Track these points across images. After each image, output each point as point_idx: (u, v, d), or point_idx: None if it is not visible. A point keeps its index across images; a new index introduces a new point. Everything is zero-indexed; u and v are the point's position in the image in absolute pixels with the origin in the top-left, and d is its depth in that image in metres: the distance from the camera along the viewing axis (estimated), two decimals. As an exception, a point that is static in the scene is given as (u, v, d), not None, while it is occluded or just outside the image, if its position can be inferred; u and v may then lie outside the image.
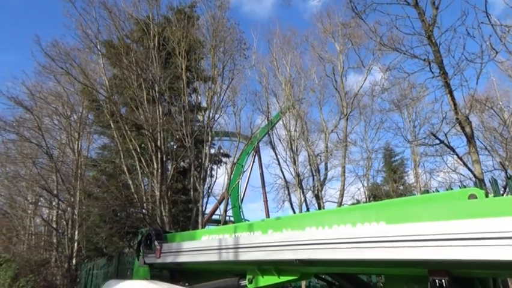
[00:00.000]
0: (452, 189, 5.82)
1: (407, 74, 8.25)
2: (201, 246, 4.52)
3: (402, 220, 2.78)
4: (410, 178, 23.86)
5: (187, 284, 4.94)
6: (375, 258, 2.68)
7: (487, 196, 2.79)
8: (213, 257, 4.23)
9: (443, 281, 2.49)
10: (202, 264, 4.61)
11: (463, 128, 7.08)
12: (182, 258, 4.76)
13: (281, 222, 4.08)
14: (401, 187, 22.48)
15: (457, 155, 8.92)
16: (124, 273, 14.12)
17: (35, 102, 18.39)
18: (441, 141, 8.37)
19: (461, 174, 15.57)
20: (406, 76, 8.38)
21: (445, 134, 8.24)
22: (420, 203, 3.12)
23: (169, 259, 5.04)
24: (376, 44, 8.81)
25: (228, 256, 4.05)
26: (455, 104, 7.20)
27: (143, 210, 13.81)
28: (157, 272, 5.75)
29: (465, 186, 6.11)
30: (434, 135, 8.41)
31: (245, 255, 3.90)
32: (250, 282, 4.13)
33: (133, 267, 8.03)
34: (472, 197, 2.76)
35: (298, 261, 3.34)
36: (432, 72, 7.63)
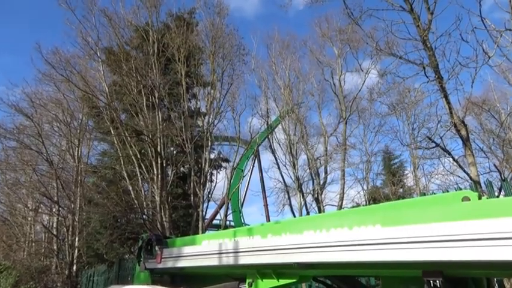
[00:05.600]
0: (448, 191, 5.89)
1: (403, 78, 8.35)
2: (201, 251, 4.57)
3: (397, 223, 2.83)
4: (410, 181, 23.95)
5: (186, 289, 4.98)
6: (371, 260, 2.74)
7: (480, 198, 2.85)
8: (213, 261, 4.28)
9: (437, 281, 2.55)
10: (202, 268, 4.67)
11: (458, 131, 7.16)
12: (183, 263, 4.81)
13: (280, 227, 4.13)
14: (401, 190, 22.52)
15: (453, 158, 9.01)
16: (124, 279, 14.12)
17: (35, 109, 18.47)
18: (437, 145, 8.46)
19: (459, 176, 15.63)
20: (402, 81, 8.48)
21: (441, 137, 8.32)
22: (415, 206, 3.18)
23: (170, 264, 5.09)
24: (373, 49, 8.92)
25: (228, 260, 4.10)
26: (450, 108, 7.29)
27: (144, 216, 13.86)
28: (157, 277, 5.79)
29: (461, 189, 6.19)
30: (430, 138, 8.50)
31: (245, 259, 3.95)
32: (250, 285, 4.17)
33: (133, 273, 8.08)
34: (465, 199, 2.82)
35: (297, 265, 3.40)
36: (428, 77, 7.73)
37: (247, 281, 4.21)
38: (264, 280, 4.06)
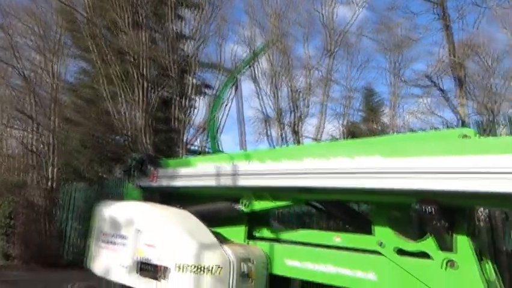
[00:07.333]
0: (436, 129, 6.20)
1: (414, 14, 8.19)
2: (199, 171, 4.72)
3: (398, 154, 3.00)
4: (388, 118, 24.56)
5: (180, 207, 5.19)
6: (374, 187, 2.95)
7: (477, 136, 3.04)
8: (212, 182, 4.45)
9: (432, 208, 2.79)
10: (198, 189, 4.86)
11: (455, 72, 7.29)
12: (179, 183, 4.99)
13: (279, 153, 4.29)
14: (379, 127, 23.20)
15: (445, 97, 9.24)
16: (105, 198, 14.43)
17: (6, 18, 17.22)
18: (435, 84, 8.67)
19: (440, 116, 16.19)
20: (411, 17, 8.30)
21: (438, 77, 8.45)
22: (415, 140, 3.36)
23: (166, 183, 5.27)
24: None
25: (227, 182, 4.27)
26: (454, 48, 7.32)
27: (127, 137, 13.86)
28: (149, 195, 6.02)
29: (448, 127, 6.53)
30: (429, 77, 8.65)
31: (243, 182, 4.14)
32: (245, 205, 4.42)
33: (123, 190, 8.31)
34: (465, 136, 3.01)
35: (297, 189, 3.60)
36: (438, 14, 7.57)
37: (242, 201, 4.44)
38: (259, 201, 4.30)
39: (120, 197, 10.93)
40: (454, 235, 2.98)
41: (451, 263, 2.97)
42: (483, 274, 2.90)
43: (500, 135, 4.87)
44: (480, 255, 3.03)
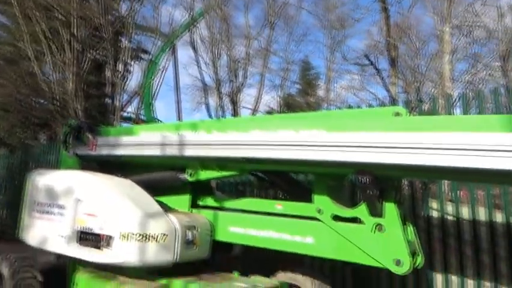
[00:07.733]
0: (371, 106, 6.67)
1: None
2: (144, 140, 4.65)
3: (340, 129, 3.24)
4: (323, 92, 25.52)
5: (121, 176, 5.10)
6: (317, 159, 3.18)
7: (408, 114, 3.38)
8: (157, 151, 4.42)
9: (367, 179, 3.10)
10: (142, 158, 4.80)
11: (389, 53, 7.82)
12: (122, 152, 4.87)
13: (225, 124, 4.37)
14: (314, 100, 24.06)
15: (381, 76, 9.89)
16: (30, 165, 13.50)
17: None
18: (372, 63, 9.25)
19: (372, 92, 17.29)
20: None
21: (375, 57, 8.99)
22: (354, 116, 3.64)
23: (106, 152, 5.11)
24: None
25: (173, 152, 4.28)
26: (388, 29, 7.79)
27: (55, 102, 12.92)
28: (86, 164, 5.80)
29: (383, 104, 7.05)
30: (367, 57, 9.18)
31: (191, 152, 4.17)
32: (191, 175, 4.48)
33: (51, 158, 7.85)
34: (397, 114, 3.33)
35: (245, 160, 3.74)
36: None
37: (188, 171, 4.50)
38: (205, 171, 4.38)
39: (49, 164, 10.34)
40: (384, 202, 3.35)
41: (379, 227, 3.35)
42: (405, 236, 3.31)
43: (424, 112, 5.38)
44: (403, 220, 3.44)
